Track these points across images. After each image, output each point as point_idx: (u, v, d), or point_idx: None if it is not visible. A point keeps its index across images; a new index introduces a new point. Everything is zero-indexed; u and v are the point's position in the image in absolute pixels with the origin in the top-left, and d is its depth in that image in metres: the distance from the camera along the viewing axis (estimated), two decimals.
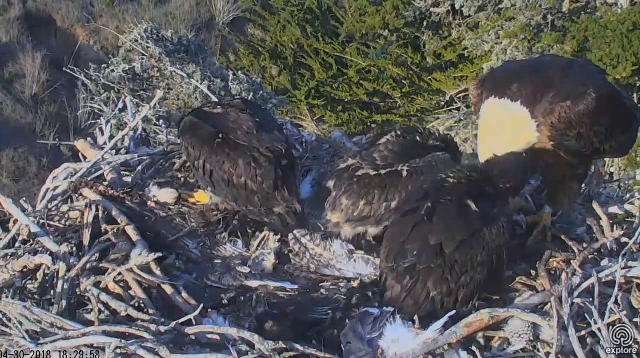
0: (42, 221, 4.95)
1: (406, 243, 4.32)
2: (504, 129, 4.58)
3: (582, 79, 4.48)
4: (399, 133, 5.31)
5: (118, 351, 3.88)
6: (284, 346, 3.91)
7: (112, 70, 9.92)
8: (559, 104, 4.40)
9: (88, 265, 4.50)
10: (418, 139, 5.29)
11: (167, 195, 5.40)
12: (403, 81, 16.05)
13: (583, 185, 4.93)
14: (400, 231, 4.42)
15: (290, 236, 4.99)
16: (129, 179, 5.59)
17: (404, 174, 4.98)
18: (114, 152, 5.79)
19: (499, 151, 4.55)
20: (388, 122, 15.41)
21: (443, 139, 5.36)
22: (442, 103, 15.93)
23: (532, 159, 4.54)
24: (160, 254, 4.50)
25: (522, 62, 4.77)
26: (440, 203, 4.39)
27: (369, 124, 15.91)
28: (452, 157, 5.14)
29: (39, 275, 4.57)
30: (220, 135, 5.05)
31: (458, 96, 15.54)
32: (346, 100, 16.39)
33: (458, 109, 15.02)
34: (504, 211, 4.41)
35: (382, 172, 5.04)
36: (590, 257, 4.63)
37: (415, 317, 4.12)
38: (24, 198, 5.38)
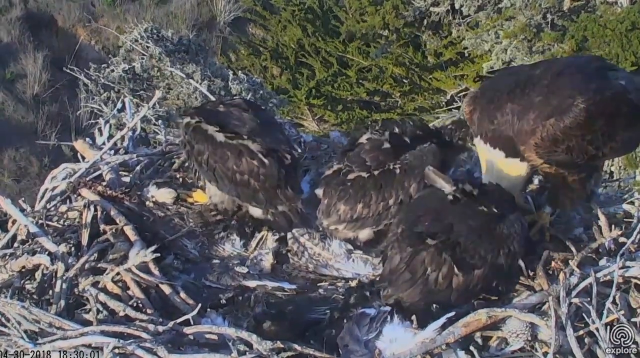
0: (40, 221, 4.95)
1: (421, 216, 4.39)
2: (495, 163, 4.68)
3: (570, 90, 4.39)
4: (377, 130, 5.29)
5: (116, 351, 3.89)
6: (281, 346, 3.91)
7: (112, 70, 9.94)
8: (541, 123, 4.38)
9: (86, 265, 4.51)
10: (397, 130, 5.28)
11: (165, 195, 5.40)
12: (403, 80, 16.05)
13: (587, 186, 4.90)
14: (419, 206, 4.51)
15: (289, 235, 5.00)
16: (127, 179, 5.59)
17: (397, 171, 4.98)
18: (112, 152, 5.80)
19: (506, 184, 4.68)
20: (388, 121, 15.40)
21: (421, 127, 5.35)
22: (443, 102, 15.93)
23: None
24: (157, 254, 4.50)
25: (513, 78, 4.68)
26: (465, 191, 4.44)
27: (369, 123, 15.90)
28: (438, 142, 5.15)
29: (38, 275, 4.57)
30: (225, 131, 5.05)
31: (458, 95, 15.53)
32: (346, 99, 16.40)
33: (458, 108, 15.01)
34: (521, 219, 4.44)
35: (375, 172, 5.03)
36: (588, 256, 4.62)
37: (414, 317, 4.13)
38: (24, 198, 5.38)
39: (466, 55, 15.12)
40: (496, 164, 4.68)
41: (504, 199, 4.52)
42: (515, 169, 4.66)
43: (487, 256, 4.26)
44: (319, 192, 5.15)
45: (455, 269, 4.22)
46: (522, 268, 4.47)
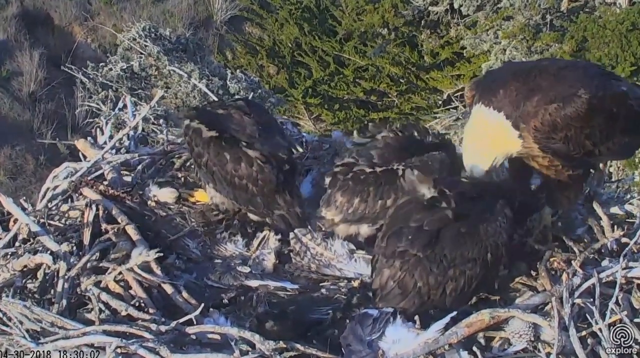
0: (42, 220, 4.93)
1: (404, 227, 4.32)
2: (488, 136, 4.61)
3: (574, 82, 4.44)
4: (396, 129, 5.30)
5: (118, 350, 3.88)
6: (284, 346, 3.92)
7: (110, 69, 9.91)
8: (543, 107, 4.40)
9: (88, 265, 4.50)
10: (416, 135, 5.28)
11: (167, 195, 5.40)
12: (400, 80, 16.06)
13: (584, 185, 4.91)
14: (401, 215, 4.44)
15: (291, 235, 4.99)
16: (129, 179, 5.58)
17: (399, 172, 4.96)
18: (114, 151, 5.78)
19: (482, 157, 4.61)
20: (385, 120, 15.40)
21: (440, 138, 5.36)
22: (440, 102, 15.95)
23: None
24: (160, 254, 4.50)
25: (519, 66, 4.75)
26: (446, 195, 4.38)
27: (365, 123, 15.90)
28: (448, 156, 5.10)
29: (39, 274, 4.56)
30: (225, 135, 5.05)
31: (455, 95, 15.55)
32: (343, 98, 16.40)
33: (456, 108, 15.04)
34: (505, 211, 4.39)
35: (378, 169, 5.02)
36: (590, 257, 4.64)
37: (416, 317, 4.13)
38: (25, 198, 5.37)
39: (463, 55, 15.14)
40: (488, 134, 4.61)
41: (486, 192, 4.49)
42: (508, 142, 4.56)
43: (475, 257, 4.25)
44: (327, 181, 5.13)
45: (445, 279, 4.23)
46: (512, 254, 4.45)
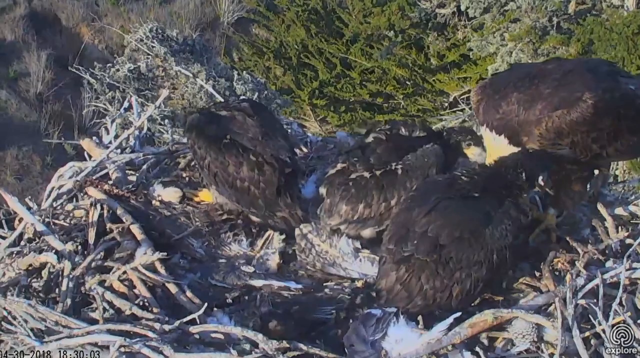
0: (47, 220, 4.95)
1: (411, 230, 4.32)
2: (499, 151, 4.68)
3: (579, 86, 4.43)
4: (383, 130, 5.32)
5: (122, 349, 3.90)
6: (287, 345, 3.92)
7: (117, 70, 9.92)
8: (547, 115, 4.41)
9: (93, 264, 4.52)
10: (403, 131, 5.30)
11: (171, 194, 5.40)
12: (406, 82, 16.06)
13: (588, 185, 4.91)
14: (407, 217, 4.42)
15: (297, 231, 5.01)
16: (133, 178, 5.60)
17: (399, 171, 4.97)
18: (119, 151, 5.80)
19: None
20: (395, 121, 15.38)
21: (426, 129, 5.40)
22: (446, 104, 15.94)
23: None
24: (164, 254, 4.51)
25: (524, 71, 4.73)
26: (449, 198, 4.38)
27: (372, 124, 15.90)
28: (441, 146, 5.14)
29: (44, 273, 4.57)
30: (227, 138, 5.07)
31: (462, 97, 15.54)
32: (349, 100, 16.41)
33: (462, 111, 15.03)
34: (510, 212, 4.37)
35: (377, 172, 5.03)
36: (594, 258, 4.63)
37: (419, 317, 4.13)
38: (30, 197, 5.38)
39: (470, 57, 15.13)
40: (500, 152, 4.67)
41: (492, 188, 4.48)
42: None
43: (481, 260, 4.24)
44: (323, 191, 5.15)
45: (452, 282, 4.23)
46: (518, 253, 4.46)
